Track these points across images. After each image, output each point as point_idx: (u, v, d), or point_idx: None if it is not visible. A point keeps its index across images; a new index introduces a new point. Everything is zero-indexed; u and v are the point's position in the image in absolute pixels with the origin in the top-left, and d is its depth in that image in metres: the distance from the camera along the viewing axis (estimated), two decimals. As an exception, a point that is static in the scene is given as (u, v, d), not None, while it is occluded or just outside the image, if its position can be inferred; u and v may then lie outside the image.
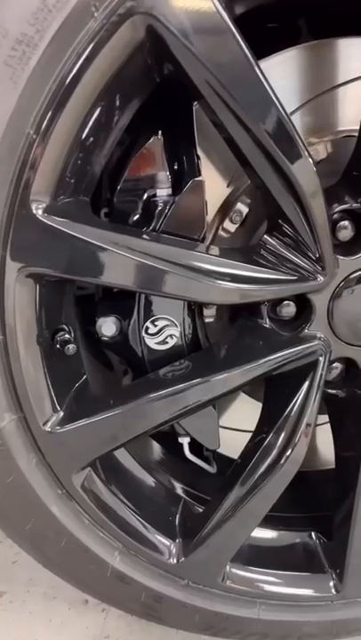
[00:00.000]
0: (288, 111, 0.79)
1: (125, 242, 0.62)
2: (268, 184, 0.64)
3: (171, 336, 0.73)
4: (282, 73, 0.80)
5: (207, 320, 0.83)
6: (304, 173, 0.62)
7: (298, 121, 0.79)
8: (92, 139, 0.59)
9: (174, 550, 0.80)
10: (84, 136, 0.59)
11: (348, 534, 0.83)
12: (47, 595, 1.02)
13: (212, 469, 0.88)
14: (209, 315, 0.82)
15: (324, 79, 0.81)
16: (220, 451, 0.94)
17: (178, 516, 0.83)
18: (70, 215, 0.60)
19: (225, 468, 0.88)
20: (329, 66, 0.81)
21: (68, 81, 0.56)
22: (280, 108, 0.60)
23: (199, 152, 0.76)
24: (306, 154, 0.61)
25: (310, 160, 0.61)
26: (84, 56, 0.55)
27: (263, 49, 0.84)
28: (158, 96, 0.69)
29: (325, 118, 0.80)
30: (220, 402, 0.80)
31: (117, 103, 0.61)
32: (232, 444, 0.95)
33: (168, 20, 0.54)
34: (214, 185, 0.78)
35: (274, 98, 0.60)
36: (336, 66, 0.81)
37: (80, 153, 0.60)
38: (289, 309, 0.76)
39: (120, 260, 0.62)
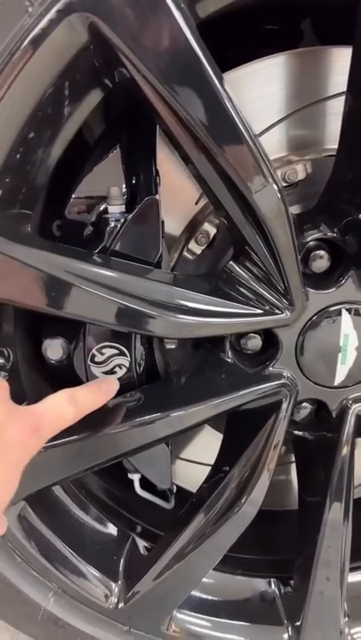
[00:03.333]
0: (271, 122, 0.74)
1: (63, 264, 0.56)
2: (227, 209, 0.57)
3: (119, 366, 0.67)
4: (267, 80, 0.73)
5: (168, 346, 0.76)
6: (267, 200, 0.55)
7: (280, 134, 0.72)
8: (33, 134, 0.52)
9: (116, 593, 0.74)
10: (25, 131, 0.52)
11: (307, 585, 0.77)
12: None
13: (168, 505, 0.81)
14: (170, 340, 0.76)
15: (313, 90, 0.73)
16: (179, 484, 0.88)
17: (123, 555, 0.77)
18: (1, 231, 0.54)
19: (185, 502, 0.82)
20: (320, 75, 0.73)
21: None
22: (243, 128, 0.52)
23: (167, 164, 0.70)
24: (270, 179, 0.54)
25: (275, 186, 0.54)
26: (16, 54, 0.48)
27: (258, 52, 0.78)
28: (119, 102, 0.63)
29: (310, 134, 0.73)
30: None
31: (61, 106, 0.54)
32: (194, 478, 0.89)
33: (112, 19, 0.47)
34: (182, 201, 0.72)
35: (235, 116, 0.53)
36: (328, 76, 0.73)
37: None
38: (255, 342, 0.70)
39: (55, 285, 0.55)
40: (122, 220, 0.60)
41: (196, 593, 0.80)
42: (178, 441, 0.88)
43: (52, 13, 0.47)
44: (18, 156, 0.54)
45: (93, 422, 0.64)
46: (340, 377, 0.70)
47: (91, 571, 0.73)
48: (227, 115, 0.52)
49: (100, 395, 0.62)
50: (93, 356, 0.66)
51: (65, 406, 0.56)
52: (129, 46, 0.49)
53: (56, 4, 0.47)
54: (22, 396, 0.68)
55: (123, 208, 0.61)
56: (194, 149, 0.53)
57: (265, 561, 0.87)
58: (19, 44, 0.48)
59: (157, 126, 0.64)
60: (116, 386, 0.64)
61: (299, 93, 0.72)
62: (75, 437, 0.63)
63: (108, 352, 0.66)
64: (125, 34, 0.48)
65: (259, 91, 0.72)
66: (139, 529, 0.83)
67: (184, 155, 0.55)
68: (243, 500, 0.69)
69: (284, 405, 0.68)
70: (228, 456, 0.73)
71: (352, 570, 0.82)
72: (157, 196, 0.60)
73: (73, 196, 0.69)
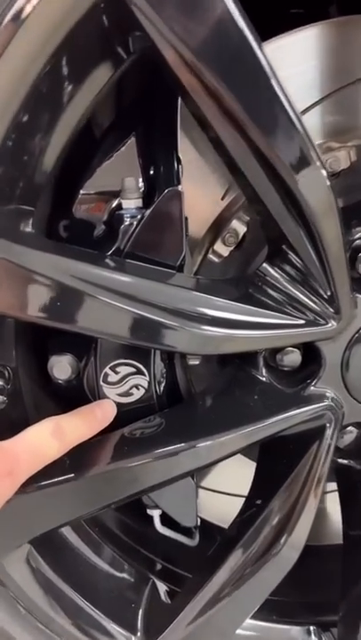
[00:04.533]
0: (305, 105, 0.65)
1: (70, 269, 0.47)
2: (265, 200, 0.48)
3: (137, 386, 0.57)
4: (299, 56, 0.63)
5: (191, 362, 0.67)
6: (314, 188, 0.45)
7: (315, 119, 0.63)
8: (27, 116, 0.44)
9: (134, 648, 0.64)
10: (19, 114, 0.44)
11: (355, 633, 0.67)
12: None
13: (191, 542, 0.72)
14: (193, 357, 0.66)
15: (354, 66, 0.64)
16: (202, 516, 0.79)
17: (142, 603, 0.67)
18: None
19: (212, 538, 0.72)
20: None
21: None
22: (286, 103, 0.44)
23: (189, 154, 0.61)
24: (318, 163, 0.45)
25: (323, 172, 0.45)
26: (8, 17, 0.40)
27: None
28: (133, 82, 0.54)
29: (353, 117, 0.63)
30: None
31: (65, 76, 0.45)
32: (219, 509, 0.80)
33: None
34: (206, 196, 0.63)
35: (278, 89, 0.44)
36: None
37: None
38: (293, 358, 0.60)
39: (61, 294, 0.46)
40: (138, 217, 0.51)
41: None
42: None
43: None
44: (10, 143, 0.46)
45: (105, 454, 0.55)
46: (392, 397, 0.60)
47: (104, 623, 0.63)
48: (268, 86, 0.43)
49: (93, 424, 0.53)
50: (106, 375, 0.57)
51: (47, 441, 0.48)
52: (151, 4, 0.40)
53: None
54: (25, 422, 0.59)
55: (139, 202, 0.52)
56: (227, 129, 0.44)
57: (302, 605, 0.77)
58: (11, 2, 0.40)
59: (179, 109, 0.56)
60: (112, 411, 0.56)
61: (337, 71, 0.63)
62: (83, 473, 0.54)
63: (124, 370, 0.57)
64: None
65: (289, 69, 0.63)
66: (159, 568, 0.73)
67: (214, 137, 0.46)
68: (282, 541, 0.60)
69: (329, 432, 0.58)
70: (263, 489, 0.63)
71: None
72: (180, 188, 0.51)
73: (81, 192, 0.61)
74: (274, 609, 0.75)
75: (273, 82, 0.43)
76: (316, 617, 0.76)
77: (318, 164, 0.45)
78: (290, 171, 0.45)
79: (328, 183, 0.46)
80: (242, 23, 0.41)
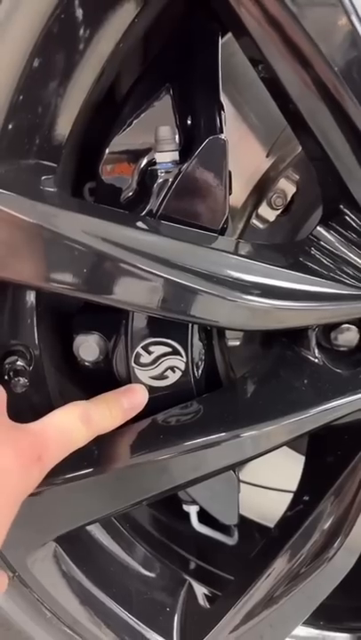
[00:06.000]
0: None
1: (99, 230, 0.40)
2: (329, 149, 0.41)
3: (172, 368, 0.51)
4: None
5: (231, 343, 0.60)
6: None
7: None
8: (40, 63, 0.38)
9: (169, 656, 0.59)
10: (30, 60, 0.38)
11: None
12: None
13: (230, 540, 0.66)
14: (233, 336, 0.60)
15: None
16: (245, 514, 0.72)
17: (178, 605, 0.61)
18: (10, 186, 0.39)
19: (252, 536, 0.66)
20: None
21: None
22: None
23: (227, 105, 0.54)
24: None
25: None
26: None
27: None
28: (166, 24, 0.47)
29: None
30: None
31: (80, 13, 0.39)
32: (258, 504, 0.73)
33: None
34: (248, 153, 0.56)
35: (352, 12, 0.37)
36: None
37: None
38: (348, 336, 0.53)
39: (88, 259, 0.40)
40: (175, 172, 0.45)
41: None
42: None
43: None
44: (23, 92, 0.40)
45: (137, 444, 0.49)
46: None
47: (137, 627, 0.58)
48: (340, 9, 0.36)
49: (119, 413, 0.48)
50: (138, 355, 0.50)
51: (76, 426, 0.44)
52: None
53: None
54: (49, 407, 0.54)
55: (176, 155, 0.45)
56: (291, 65, 0.37)
57: (352, 610, 0.70)
58: None
59: (220, 51, 0.49)
60: (142, 399, 0.50)
61: None
62: (113, 465, 0.48)
63: (158, 350, 0.50)
64: None
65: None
66: (195, 569, 0.67)
67: (272, 79, 0.39)
68: (336, 545, 0.53)
69: (392, 419, 0.51)
70: (313, 485, 0.57)
71: None
72: (223, 137, 0.44)
73: (107, 151, 0.54)
74: (321, 613, 0.69)
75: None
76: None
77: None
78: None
79: None
80: None
